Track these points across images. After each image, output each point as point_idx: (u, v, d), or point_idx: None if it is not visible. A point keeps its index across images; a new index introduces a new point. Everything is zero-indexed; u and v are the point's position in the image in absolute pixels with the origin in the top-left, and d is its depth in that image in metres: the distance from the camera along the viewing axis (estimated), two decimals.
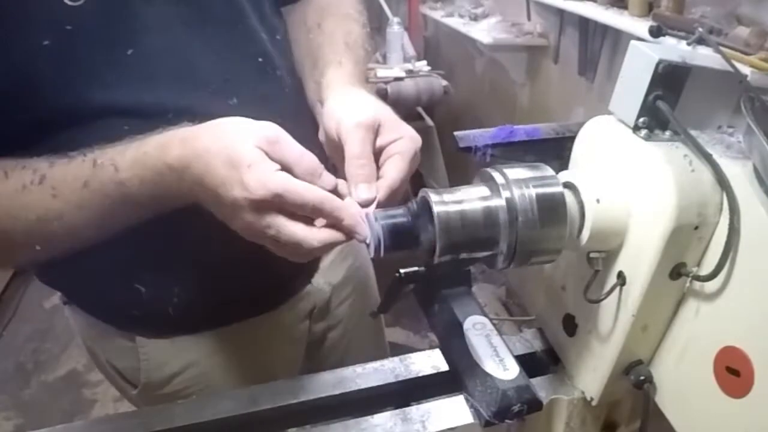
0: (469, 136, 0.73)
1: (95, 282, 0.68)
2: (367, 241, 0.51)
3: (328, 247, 0.51)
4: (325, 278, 0.93)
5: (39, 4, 0.54)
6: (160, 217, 0.57)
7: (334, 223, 0.52)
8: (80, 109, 0.59)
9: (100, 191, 0.55)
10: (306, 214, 0.51)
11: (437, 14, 2.55)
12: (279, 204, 0.49)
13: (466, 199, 0.51)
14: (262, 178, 0.49)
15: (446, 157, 2.23)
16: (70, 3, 0.55)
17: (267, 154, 0.50)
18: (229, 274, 0.60)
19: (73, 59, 0.57)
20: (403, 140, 0.58)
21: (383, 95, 1.93)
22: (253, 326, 0.84)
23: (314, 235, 0.51)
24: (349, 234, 0.52)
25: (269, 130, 0.52)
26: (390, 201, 0.55)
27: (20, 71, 0.56)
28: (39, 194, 0.55)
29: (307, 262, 0.54)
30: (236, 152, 0.49)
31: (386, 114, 0.59)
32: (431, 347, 0.71)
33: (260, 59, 0.71)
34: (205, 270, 0.68)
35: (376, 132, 0.58)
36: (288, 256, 0.53)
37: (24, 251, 0.61)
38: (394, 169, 0.56)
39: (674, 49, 0.81)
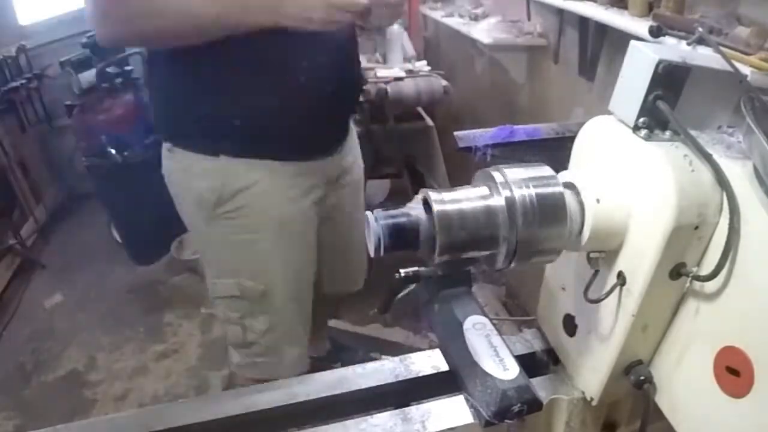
0: (469, 136, 0.73)
1: (201, 111, 1.02)
2: None
3: None
4: (345, 149, 1.28)
5: None
6: (257, 46, 0.97)
7: None
8: None
9: None
10: None
11: (437, 14, 2.55)
12: None
13: (466, 199, 0.51)
14: None
15: (446, 157, 2.23)
16: None
17: None
18: (302, 112, 1.01)
19: None
20: None
21: (383, 95, 1.93)
22: (301, 168, 1.17)
23: None
24: None
25: None
26: None
27: None
28: None
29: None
30: None
31: None
32: (431, 347, 0.71)
33: None
34: (285, 105, 1.04)
35: None
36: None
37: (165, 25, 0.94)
38: None
39: (674, 49, 0.81)
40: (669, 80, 0.51)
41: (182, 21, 0.93)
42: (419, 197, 0.52)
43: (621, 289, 0.55)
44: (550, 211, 0.50)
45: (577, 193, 0.54)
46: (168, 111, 1.14)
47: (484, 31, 2.08)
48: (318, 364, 1.98)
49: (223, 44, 0.95)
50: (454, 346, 0.66)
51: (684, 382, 0.56)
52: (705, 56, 0.56)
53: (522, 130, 0.74)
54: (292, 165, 1.16)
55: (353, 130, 1.39)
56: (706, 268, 0.50)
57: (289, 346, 1.32)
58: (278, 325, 1.27)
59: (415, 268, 0.68)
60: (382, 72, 2.01)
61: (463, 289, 0.74)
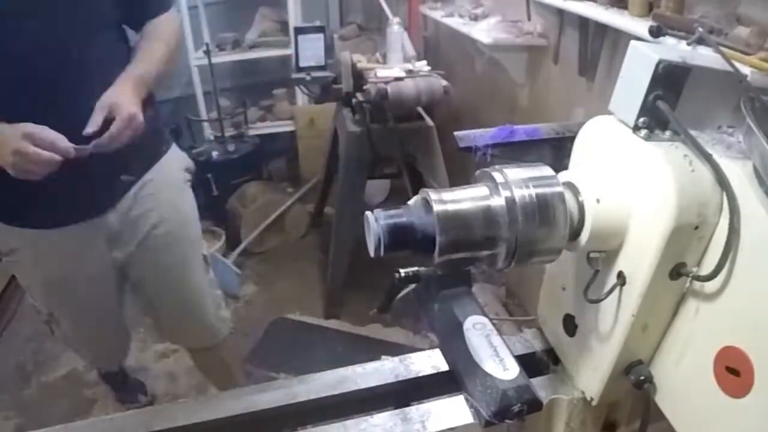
0: (469, 136, 0.73)
1: None
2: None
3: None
4: (125, 206, 1.28)
5: None
6: None
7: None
8: None
9: None
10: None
11: (437, 14, 2.55)
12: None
13: (466, 199, 0.51)
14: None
15: (446, 157, 2.23)
16: None
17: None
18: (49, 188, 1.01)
19: None
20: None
21: (383, 95, 1.93)
22: (66, 234, 1.21)
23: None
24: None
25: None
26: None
27: None
28: None
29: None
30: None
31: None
32: (431, 347, 0.71)
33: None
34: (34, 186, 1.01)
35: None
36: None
37: None
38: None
39: (674, 49, 0.81)
40: (669, 80, 0.51)
41: None
42: (419, 197, 0.52)
43: (621, 289, 0.55)
44: (550, 211, 0.50)
45: (577, 193, 0.54)
46: None
47: (484, 31, 2.08)
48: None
49: None
50: (454, 346, 0.66)
51: (684, 382, 0.56)
52: (705, 56, 0.56)
53: (522, 130, 0.74)
54: (51, 231, 1.20)
55: (162, 185, 1.35)
56: (706, 268, 0.50)
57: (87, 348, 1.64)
58: (71, 339, 1.56)
59: (415, 268, 0.68)
60: (382, 72, 2.01)
61: (463, 289, 0.74)
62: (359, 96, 2.04)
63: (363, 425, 0.60)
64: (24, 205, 1.15)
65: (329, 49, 2.32)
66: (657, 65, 0.50)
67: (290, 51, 2.54)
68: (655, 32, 1.22)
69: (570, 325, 0.65)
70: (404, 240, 0.51)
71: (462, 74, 2.71)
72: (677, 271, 0.52)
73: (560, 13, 1.85)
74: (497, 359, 0.63)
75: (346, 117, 2.16)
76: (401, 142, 2.09)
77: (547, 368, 0.69)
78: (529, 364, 0.65)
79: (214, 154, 2.92)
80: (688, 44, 1.11)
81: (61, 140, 0.98)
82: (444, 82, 2.03)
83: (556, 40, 1.95)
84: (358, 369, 0.68)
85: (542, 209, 0.50)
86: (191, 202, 1.43)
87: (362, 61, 2.13)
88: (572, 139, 0.62)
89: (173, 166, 1.38)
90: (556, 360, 0.69)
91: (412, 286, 0.70)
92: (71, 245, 1.24)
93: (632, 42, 0.53)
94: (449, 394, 0.63)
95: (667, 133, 0.53)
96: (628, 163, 0.54)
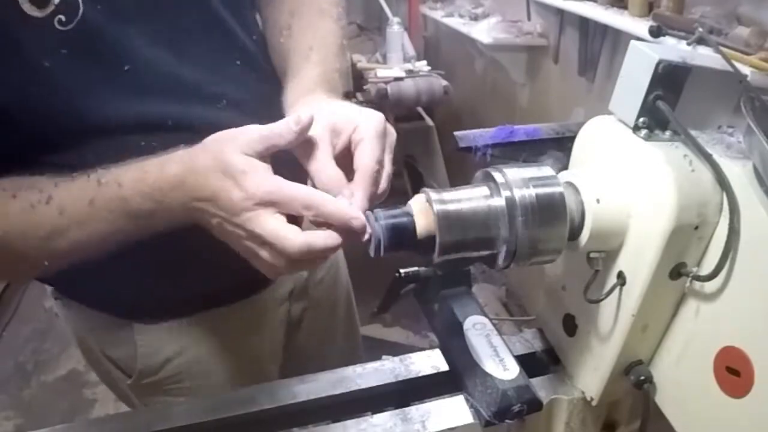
0: (469, 136, 0.73)
1: (90, 272, 0.66)
2: (366, 237, 0.51)
3: (310, 253, 0.52)
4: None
5: (32, 30, 0.57)
6: None
7: (327, 220, 0.52)
8: (83, 127, 0.63)
9: (105, 207, 0.58)
10: (296, 210, 0.53)
11: (437, 14, 2.55)
12: (270, 202, 0.52)
13: (466, 199, 0.51)
14: (257, 180, 0.53)
15: (446, 157, 2.23)
16: (60, 28, 0.58)
17: (256, 155, 0.54)
18: (216, 261, 0.63)
19: (72, 80, 0.61)
20: (360, 127, 0.59)
21: (383, 95, 1.94)
22: (241, 309, 0.88)
23: (296, 234, 0.52)
24: (345, 227, 0.52)
25: (253, 133, 0.55)
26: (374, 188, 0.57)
27: (22, 93, 0.59)
28: (46, 213, 0.58)
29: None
30: (227, 162, 0.53)
31: (340, 112, 0.61)
32: (431, 347, 0.71)
33: (238, 62, 0.74)
34: (196, 257, 0.69)
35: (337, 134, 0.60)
36: (267, 267, 0.55)
37: (33, 267, 0.65)
38: (364, 155, 0.57)
39: (674, 49, 0.81)
40: (669, 80, 0.51)
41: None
42: (419, 197, 0.52)
43: (621, 289, 0.55)
44: (550, 211, 0.50)
45: (577, 193, 0.54)
46: None
47: (484, 31, 2.08)
48: None
49: None
50: (454, 346, 0.66)
51: (684, 382, 0.56)
52: (705, 56, 0.56)
53: (522, 130, 0.74)
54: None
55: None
56: (706, 268, 0.50)
57: None
58: None
59: (415, 268, 0.68)
60: (382, 72, 2.01)
61: (463, 289, 0.74)
62: (359, 96, 2.04)
63: (363, 425, 0.60)
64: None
65: None
66: (657, 65, 0.50)
67: None
68: (655, 32, 1.22)
69: (570, 325, 0.65)
70: (404, 240, 0.51)
71: (462, 74, 2.71)
72: (677, 271, 0.52)
73: (560, 13, 1.86)
74: (497, 359, 0.63)
75: None
76: (401, 142, 2.09)
77: (547, 368, 0.69)
78: (529, 364, 0.65)
79: None
80: (688, 44, 1.12)
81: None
82: (444, 82, 2.03)
83: (556, 40, 1.95)
84: (358, 369, 0.68)
85: (542, 209, 0.50)
86: None
87: (362, 61, 2.14)
88: (572, 139, 0.62)
89: None
90: (556, 360, 0.69)
91: (412, 286, 0.70)
92: (251, 319, 0.92)
93: (632, 42, 0.53)
94: (449, 394, 0.63)
95: (667, 133, 0.53)
96: (628, 163, 0.54)
